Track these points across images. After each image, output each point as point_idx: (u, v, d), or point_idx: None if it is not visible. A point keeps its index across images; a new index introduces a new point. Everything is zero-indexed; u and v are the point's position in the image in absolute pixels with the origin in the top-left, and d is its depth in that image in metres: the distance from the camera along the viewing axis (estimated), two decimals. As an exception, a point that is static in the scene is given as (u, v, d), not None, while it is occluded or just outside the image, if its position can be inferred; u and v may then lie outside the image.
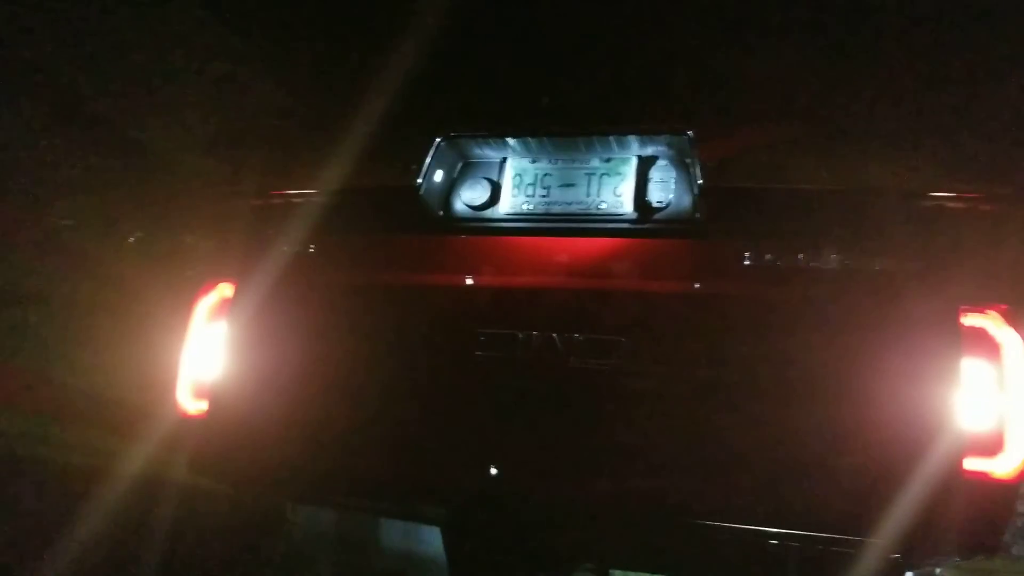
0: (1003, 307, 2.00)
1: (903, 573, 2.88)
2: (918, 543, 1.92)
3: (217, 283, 2.59)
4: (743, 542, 2.17)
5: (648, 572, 4.37)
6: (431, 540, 3.93)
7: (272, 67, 2.97)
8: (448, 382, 2.29)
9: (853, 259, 2.05)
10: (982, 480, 1.93)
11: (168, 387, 2.56)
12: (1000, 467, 1.94)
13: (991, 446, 1.95)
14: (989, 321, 1.99)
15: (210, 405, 2.45)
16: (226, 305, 2.53)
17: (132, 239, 3.75)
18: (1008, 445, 1.95)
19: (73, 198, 3.71)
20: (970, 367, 1.97)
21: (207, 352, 2.52)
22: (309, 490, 2.61)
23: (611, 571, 3.92)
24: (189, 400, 2.51)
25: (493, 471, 2.19)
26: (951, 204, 2.07)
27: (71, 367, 3.74)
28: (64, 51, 3.08)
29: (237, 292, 2.53)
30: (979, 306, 2.00)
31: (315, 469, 2.33)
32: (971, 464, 1.93)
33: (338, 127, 2.47)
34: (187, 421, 2.51)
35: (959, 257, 2.04)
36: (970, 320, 2.00)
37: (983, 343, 1.98)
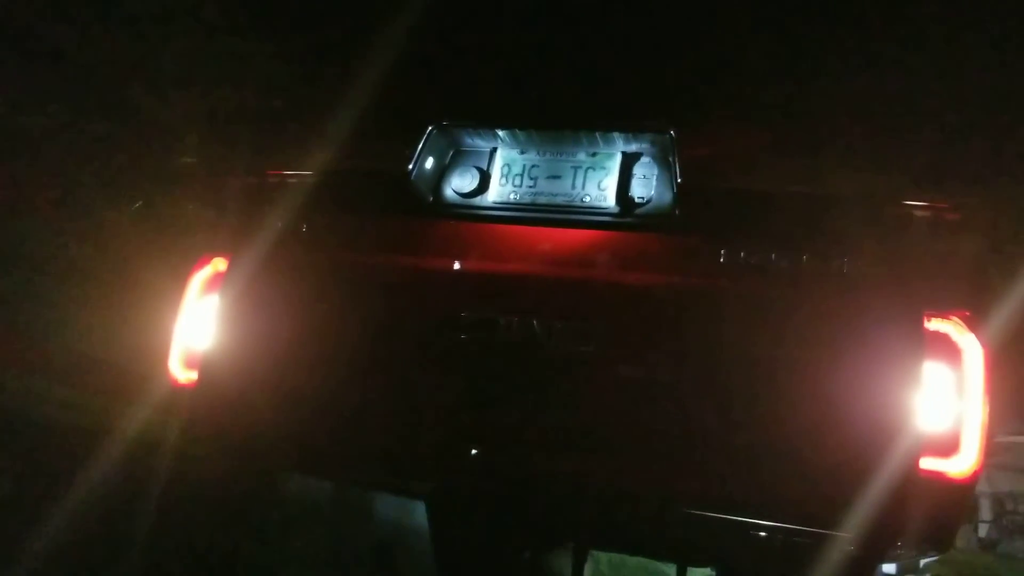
0: (966, 313, 2.05)
1: (875, 566, 2.96)
2: (873, 537, 1.98)
3: (212, 257, 2.65)
4: (712, 528, 2.25)
5: (625, 552, 4.47)
6: (419, 512, 4.02)
7: (274, 50, 3.01)
8: (429, 360, 2.35)
9: (824, 262, 2.11)
10: (937, 479, 1.99)
11: (161, 355, 2.63)
12: (955, 467, 2.00)
13: (947, 447, 2.01)
14: (952, 326, 2.05)
15: (200, 375, 2.52)
16: (219, 279, 2.60)
17: (136, 206, 3.81)
18: (963, 446, 2.01)
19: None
20: (932, 370, 2.03)
21: (199, 323, 2.59)
22: (289, 460, 2.69)
23: (591, 551, 4.01)
24: (180, 369, 2.58)
25: (477, 449, 2.25)
26: (920, 212, 2.12)
27: (69, 330, 3.81)
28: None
29: (231, 267, 2.59)
30: (943, 311, 2.06)
31: (295, 441, 2.41)
32: (928, 464, 2.00)
33: (335, 111, 2.53)
34: (178, 389, 2.58)
35: (926, 264, 2.10)
36: (934, 325, 2.05)
37: (945, 347, 2.04)
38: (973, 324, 2.05)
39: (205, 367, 2.52)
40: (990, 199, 2.13)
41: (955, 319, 2.05)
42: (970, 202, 2.10)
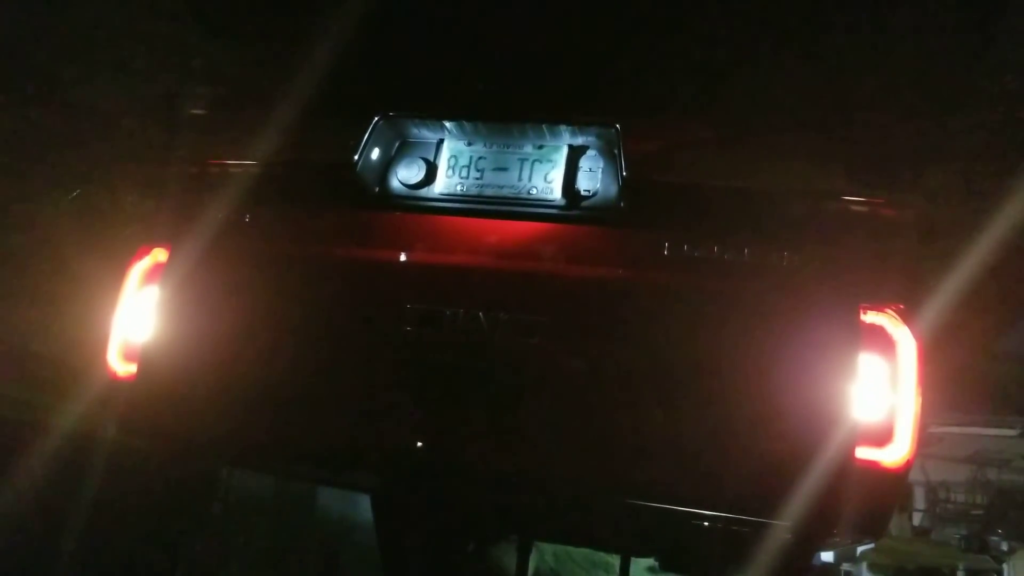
0: (900, 306, 2.11)
1: (812, 554, 3.02)
2: (810, 525, 2.02)
3: (152, 247, 2.60)
4: (654, 519, 2.28)
5: (569, 545, 4.51)
6: (362, 506, 4.01)
7: (218, 35, 2.95)
8: (374, 354, 2.34)
9: (764, 255, 2.15)
10: (872, 468, 2.04)
11: (99, 348, 2.57)
12: (889, 457, 2.06)
13: (882, 437, 2.06)
14: (887, 319, 2.11)
15: (140, 368, 2.47)
16: (159, 270, 2.55)
17: (73, 195, 3.72)
18: (897, 436, 2.06)
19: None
20: (867, 361, 2.08)
21: (139, 315, 2.53)
22: (230, 455, 2.66)
23: (536, 543, 4.05)
24: (119, 362, 2.53)
25: (422, 443, 2.24)
26: (858, 208, 2.18)
27: (2, 323, 3.71)
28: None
29: (171, 258, 2.54)
30: (878, 304, 2.11)
31: (236, 436, 2.38)
32: (863, 453, 2.04)
33: (279, 100, 2.49)
34: (117, 383, 2.52)
35: (863, 257, 2.15)
36: (870, 317, 2.11)
37: (880, 339, 2.09)
38: (907, 317, 2.11)
39: (144, 360, 2.47)
40: (924, 195, 2.18)
41: (890, 312, 2.11)
42: (905, 198, 2.16)
